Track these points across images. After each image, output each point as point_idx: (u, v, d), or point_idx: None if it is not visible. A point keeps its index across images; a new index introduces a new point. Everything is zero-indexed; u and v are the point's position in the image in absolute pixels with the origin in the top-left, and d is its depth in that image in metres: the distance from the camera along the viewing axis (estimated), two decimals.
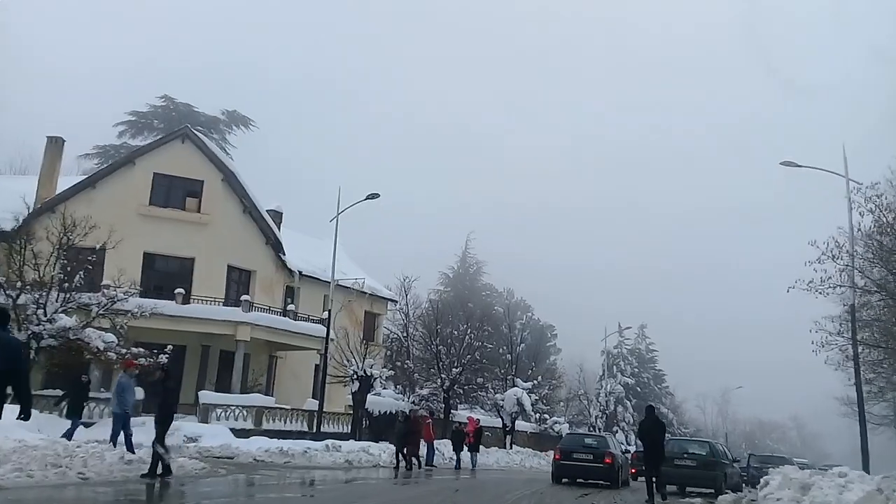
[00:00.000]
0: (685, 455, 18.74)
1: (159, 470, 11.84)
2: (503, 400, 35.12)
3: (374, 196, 26.46)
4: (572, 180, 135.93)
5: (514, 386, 36.30)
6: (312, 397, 30.51)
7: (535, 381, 38.23)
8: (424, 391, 32.68)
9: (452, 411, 33.69)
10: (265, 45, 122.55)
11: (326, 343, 26.58)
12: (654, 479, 16.34)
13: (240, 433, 24.14)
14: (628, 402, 58.48)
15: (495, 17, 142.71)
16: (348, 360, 27.71)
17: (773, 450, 64.24)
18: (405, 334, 38.48)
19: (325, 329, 28.99)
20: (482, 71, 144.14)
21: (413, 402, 32.26)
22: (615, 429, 52.37)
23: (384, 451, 22.98)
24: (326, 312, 32.17)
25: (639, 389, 61.24)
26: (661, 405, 62.42)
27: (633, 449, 30.42)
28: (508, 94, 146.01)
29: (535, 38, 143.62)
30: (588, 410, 48.97)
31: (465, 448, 24.91)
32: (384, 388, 35.17)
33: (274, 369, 32.76)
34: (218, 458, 18.41)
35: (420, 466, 20.50)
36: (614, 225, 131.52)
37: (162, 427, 11.95)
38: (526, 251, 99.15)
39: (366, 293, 37.17)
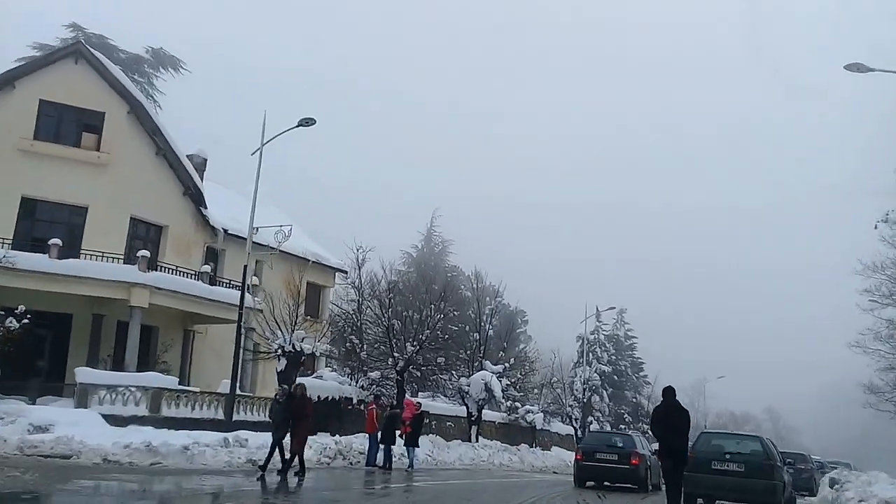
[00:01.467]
0: (726, 456, 13.30)
1: None
2: (469, 385, 29.75)
3: (307, 122, 20.70)
4: (570, 179, 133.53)
5: (481, 369, 30.92)
6: (241, 380, 25.03)
7: (507, 365, 32.82)
8: (375, 374, 27.11)
9: (412, 398, 28.32)
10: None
11: (241, 308, 20.88)
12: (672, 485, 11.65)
13: (128, 421, 18.65)
14: (604, 392, 53.64)
15: (495, 16, 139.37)
16: (273, 333, 22.05)
17: None
18: (357, 310, 32.70)
19: (248, 294, 23.36)
20: (481, 69, 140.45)
21: (361, 387, 26.77)
22: (590, 419, 47.57)
23: (309, 445, 17.47)
24: (255, 278, 26.63)
25: (616, 378, 56.41)
26: (639, 395, 57.83)
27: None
28: (509, 93, 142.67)
29: (535, 37, 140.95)
30: (562, 399, 43.81)
31: (402, 441, 19.64)
32: (332, 371, 29.65)
33: (191, 346, 26.91)
34: (47, 457, 12.72)
35: (303, 473, 14.10)
36: (613, 224, 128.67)
37: None
38: (510, 246, 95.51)
39: (308, 260, 31.54)
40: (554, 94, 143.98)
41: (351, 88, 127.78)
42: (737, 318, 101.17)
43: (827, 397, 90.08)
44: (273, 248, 22.80)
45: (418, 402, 22.02)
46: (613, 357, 58.09)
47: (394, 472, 17.93)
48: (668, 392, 11.90)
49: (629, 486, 17.74)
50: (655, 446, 13.34)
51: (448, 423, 31.29)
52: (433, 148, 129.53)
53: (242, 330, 23.90)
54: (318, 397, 25.67)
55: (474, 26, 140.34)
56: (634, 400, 56.47)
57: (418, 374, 28.00)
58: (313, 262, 31.92)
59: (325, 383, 26.90)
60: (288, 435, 13.90)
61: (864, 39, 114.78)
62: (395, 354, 26.11)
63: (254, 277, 26.69)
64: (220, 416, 21.62)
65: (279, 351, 21.71)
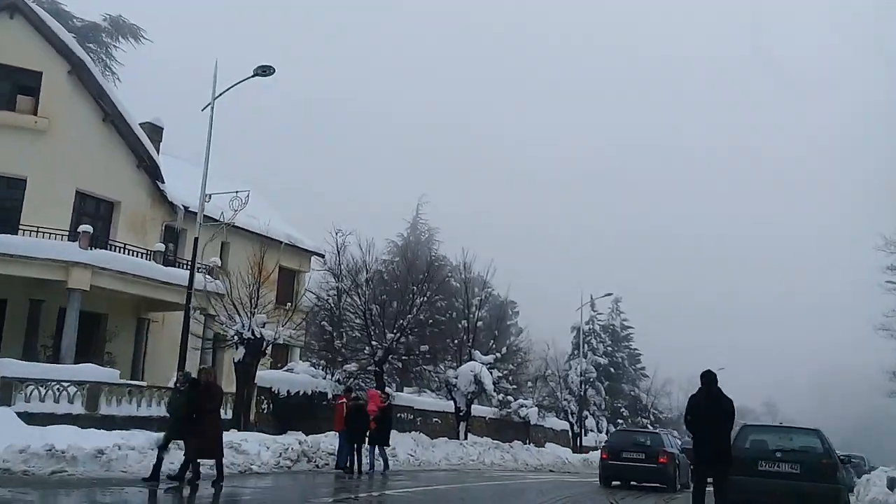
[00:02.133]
0: (777, 455, 10.73)
1: None
2: (457, 377, 27.13)
3: (265, 72, 17.93)
4: (568, 176, 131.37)
5: (470, 360, 28.29)
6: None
7: (498, 355, 30.12)
8: (352, 366, 24.44)
9: (394, 392, 25.70)
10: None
11: (190, 287, 18.10)
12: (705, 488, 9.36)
13: (59, 421, 15.94)
14: (600, 385, 51.16)
15: (496, 16, 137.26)
16: (231, 317, 19.32)
17: None
18: (336, 297, 29.97)
19: (204, 278, 20.78)
20: (482, 69, 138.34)
21: (337, 381, 24.09)
22: (585, 414, 45.09)
23: (267, 446, 14.85)
24: (217, 260, 23.97)
25: (612, 370, 53.85)
26: (637, 388, 55.38)
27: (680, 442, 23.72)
28: (510, 93, 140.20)
29: (534, 37, 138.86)
30: (558, 393, 41.28)
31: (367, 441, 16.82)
32: (309, 364, 26.95)
33: (145, 336, 24.14)
34: None
35: (221, 478, 11.15)
36: (611, 223, 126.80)
37: None
38: (505, 244, 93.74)
39: (280, 242, 28.80)
40: (554, 95, 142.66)
41: (349, 88, 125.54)
42: (736, 316, 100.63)
43: (823, 390, 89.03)
44: (227, 221, 19.92)
45: (385, 394, 19.12)
46: (610, 348, 55.65)
47: (365, 477, 15.30)
48: (707, 377, 9.38)
49: (656, 485, 17.11)
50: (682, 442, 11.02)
51: (434, 420, 28.72)
52: (430, 147, 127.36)
53: (200, 316, 21.27)
54: (289, 392, 23.16)
55: (472, 31, 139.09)
56: (632, 393, 54.01)
57: (400, 364, 25.33)
58: (286, 243, 29.18)
59: (296, 377, 24.29)
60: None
61: (867, 39, 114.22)
62: (374, 343, 23.46)
63: (217, 259, 24.07)
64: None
65: (236, 338, 18.96)
